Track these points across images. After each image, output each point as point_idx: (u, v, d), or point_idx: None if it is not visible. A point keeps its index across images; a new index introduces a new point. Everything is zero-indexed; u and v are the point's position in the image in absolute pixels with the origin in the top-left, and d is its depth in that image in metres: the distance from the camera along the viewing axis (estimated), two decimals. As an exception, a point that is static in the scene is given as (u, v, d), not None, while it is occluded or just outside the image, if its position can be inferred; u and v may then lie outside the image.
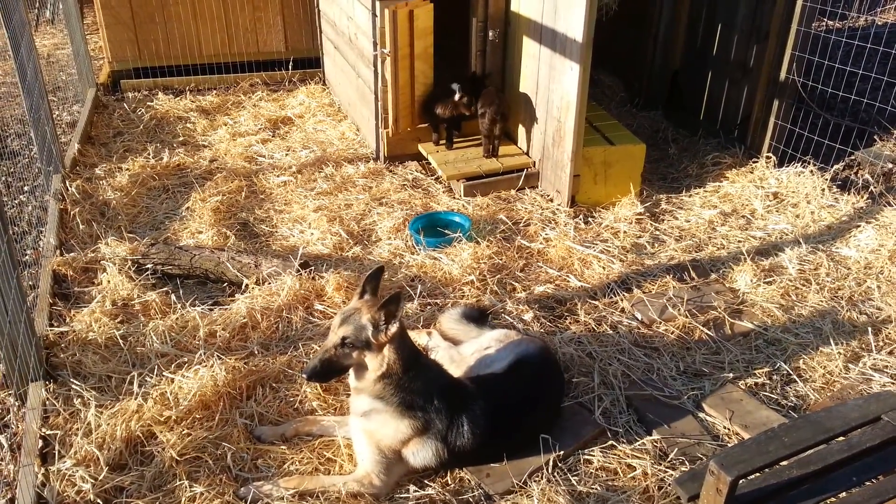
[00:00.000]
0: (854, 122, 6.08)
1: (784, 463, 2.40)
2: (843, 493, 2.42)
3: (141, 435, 3.21)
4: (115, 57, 7.66)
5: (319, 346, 3.06)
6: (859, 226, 4.98)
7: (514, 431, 3.17)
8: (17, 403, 3.42)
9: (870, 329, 4.01)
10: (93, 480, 2.96)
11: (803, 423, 2.48)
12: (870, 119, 6.29)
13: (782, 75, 5.63)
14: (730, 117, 6.29)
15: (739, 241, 4.94)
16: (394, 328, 2.91)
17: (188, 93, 7.56)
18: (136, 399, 3.38)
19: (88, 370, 3.61)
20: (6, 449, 3.24)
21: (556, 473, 3.09)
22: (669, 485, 3.01)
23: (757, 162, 5.85)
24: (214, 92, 7.64)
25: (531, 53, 5.42)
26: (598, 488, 3.03)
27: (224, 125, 6.85)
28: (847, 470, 2.44)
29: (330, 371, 2.99)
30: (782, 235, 5.00)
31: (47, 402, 3.37)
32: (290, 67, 7.95)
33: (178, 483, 2.99)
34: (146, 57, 7.66)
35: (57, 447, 3.14)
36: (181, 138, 6.56)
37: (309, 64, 8.03)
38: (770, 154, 5.82)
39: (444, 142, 5.90)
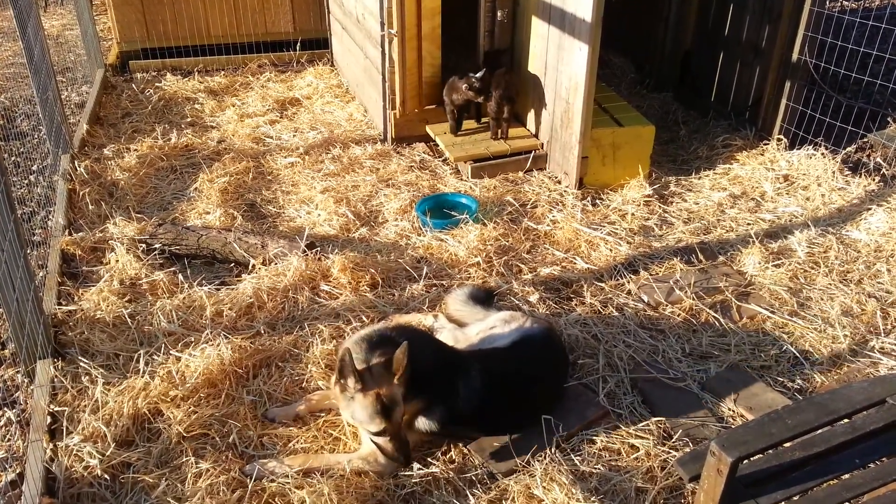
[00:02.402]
0: (867, 104, 6.01)
1: (787, 445, 2.39)
2: (846, 475, 2.41)
3: (148, 412, 3.25)
4: (123, 38, 7.66)
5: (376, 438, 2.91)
6: (870, 208, 4.93)
7: (513, 402, 3.18)
8: (25, 380, 3.46)
9: (878, 312, 3.98)
10: (100, 456, 3.00)
11: (807, 405, 2.46)
12: (884, 101, 6.20)
13: (794, 56, 5.55)
14: (741, 99, 6.22)
15: (748, 224, 4.91)
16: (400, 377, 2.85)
17: (196, 74, 7.56)
18: (143, 377, 3.41)
19: (96, 348, 3.64)
20: (15, 425, 3.29)
21: (559, 453, 3.10)
22: (672, 466, 3.02)
23: (768, 144, 5.79)
24: (222, 73, 7.62)
25: (540, 33, 5.37)
26: (601, 468, 3.04)
27: (232, 106, 6.85)
28: (850, 452, 2.42)
29: (406, 444, 2.92)
30: (792, 218, 4.96)
31: (55, 380, 3.41)
32: (297, 48, 7.92)
33: (185, 459, 3.03)
34: (154, 38, 7.65)
35: (65, 423, 3.18)
36: (189, 119, 6.57)
37: (317, 45, 7.99)
38: (781, 136, 5.76)
39: (469, 128, 5.81)
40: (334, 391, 2.92)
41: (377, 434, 2.86)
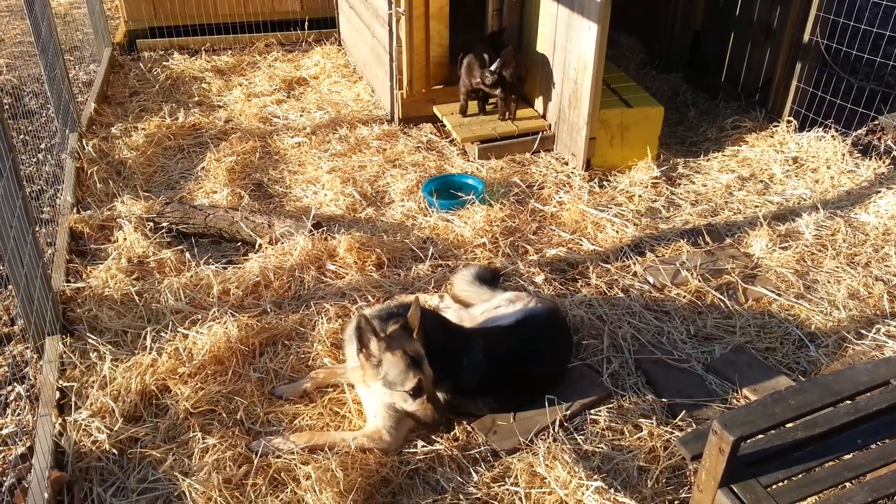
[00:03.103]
0: (879, 85, 5.94)
1: (790, 425, 2.40)
2: (848, 456, 2.42)
3: (155, 388, 3.28)
4: (130, 16, 7.64)
5: (415, 403, 2.90)
6: (879, 191, 4.90)
7: (516, 379, 3.21)
8: (34, 356, 3.49)
9: (885, 295, 3.97)
10: (108, 431, 3.04)
11: (811, 386, 2.46)
12: (896, 83, 6.14)
13: (806, 37, 5.49)
14: (751, 80, 6.16)
15: (756, 206, 4.88)
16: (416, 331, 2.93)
17: (203, 53, 7.54)
18: (150, 354, 3.44)
19: (104, 325, 3.67)
20: (25, 400, 3.33)
21: (562, 433, 3.12)
22: (674, 445, 3.03)
23: (777, 126, 5.75)
24: (230, 52, 7.61)
25: (549, 12, 5.32)
26: (604, 447, 3.06)
27: (239, 86, 6.84)
28: (853, 433, 2.43)
29: (443, 405, 2.97)
30: (800, 200, 4.93)
31: (64, 356, 3.45)
32: (305, 27, 7.89)
33: (192, 435, 3.06)
34: (162, 16, 7.63)
35: (73, 399, 3.22)
36: (196, 98, 6.57)
37: (324, 24, 7.96)
38: (791, 118, 5.71)
39: (472, 112, 5.77)
40: (359, 363, 2.93)
41: (414, 392, 2.84)
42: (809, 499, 2.32)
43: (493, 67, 5.23)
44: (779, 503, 2.21)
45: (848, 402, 2.46)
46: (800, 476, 2.34)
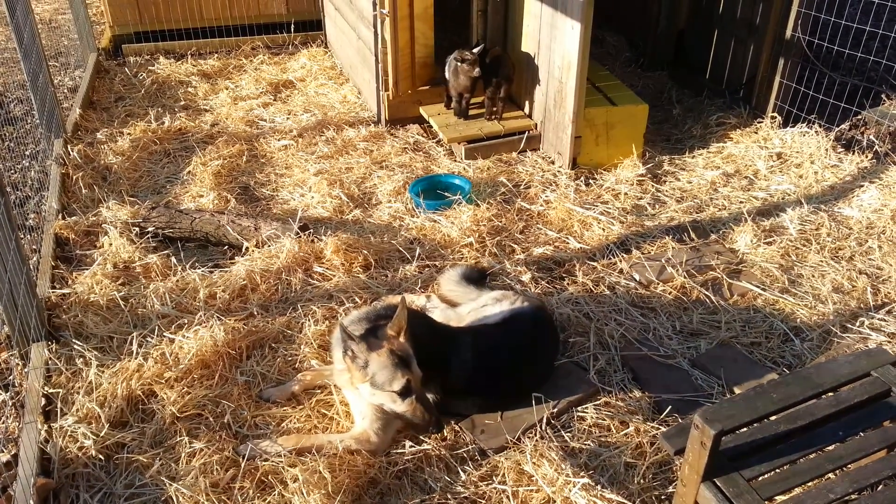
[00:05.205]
0: (861, 80, 5.98)
1: (772, 418, 2.42)
2: (830, 447, 2.44)
3: (141, 393, 3.27)
4: (116, 21, 7.61)
5: (405, 406, 2.87)
6: (862, 185, 4.94)
7: (502, 377, 3.22)
8: (19, 363, 3.48)
9: (868, 289, 4.00)
10: (94, 437, 3.03)
11: (793, 379, 2.49)
12: (878, 77, 6.17)
13: (788, 33, 5.52)
14: (735, 77, 6.20)
15: (741, 202, 4.91)
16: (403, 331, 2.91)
17: (189, 57, 7.51)
18: (136, 359, 3.43)
19: (90, 331, 3.66)
20: (10, 407, 3.31)
21: (549, 430, 3.13)
22: (659, 441, 3.04)
23: (761, 122, 5.79)
24: (216, 56, 7.59)
25: (532, 12, 5.33)
26: (591, 444, 3.07)
27: (225, 89, 6.82)
28: (834, 424, 2.45)
29: (432, 406, 2.93)
30: (784, 196, 4.96)
31: (50, 362, 3.43)
32: (291, 30, 7.88)
33: (179, 439, 3.06)
34: (147, 21, 7.60)
35: (59, 405, 3.20)
36: (182, 102, 6.55)
37: (311, 26, 7.95)
38: (775, 114, 5.75)
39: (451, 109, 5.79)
40: (346, 366, 2.93)
41: (402, 392, 2.82)
42: (792, 490, 2.34)
43: (475, 50, 5.25)
44: (761, 496, 2.23)
45: (829, 394, 2.48)
46: (782, 468, 2.36)
